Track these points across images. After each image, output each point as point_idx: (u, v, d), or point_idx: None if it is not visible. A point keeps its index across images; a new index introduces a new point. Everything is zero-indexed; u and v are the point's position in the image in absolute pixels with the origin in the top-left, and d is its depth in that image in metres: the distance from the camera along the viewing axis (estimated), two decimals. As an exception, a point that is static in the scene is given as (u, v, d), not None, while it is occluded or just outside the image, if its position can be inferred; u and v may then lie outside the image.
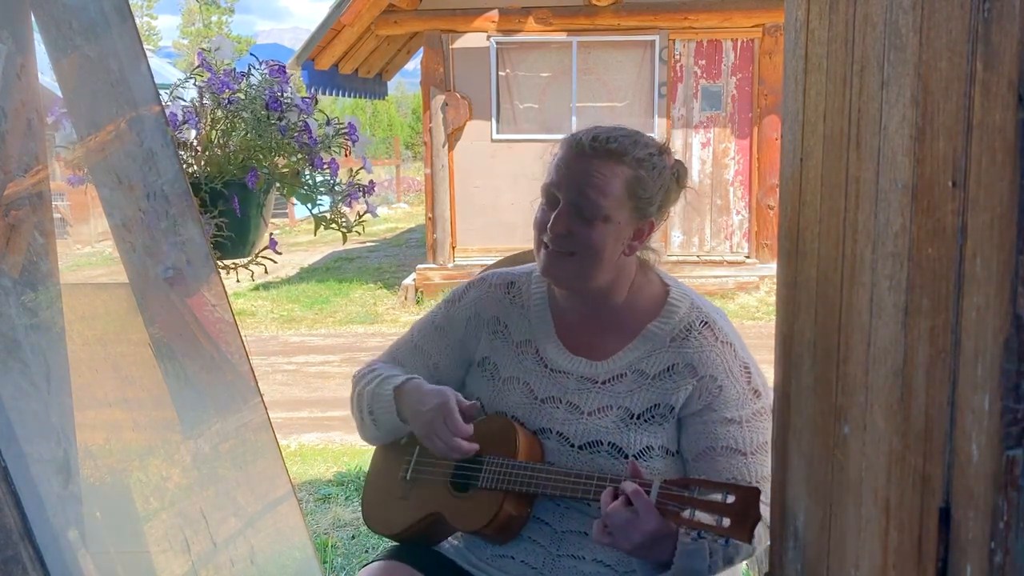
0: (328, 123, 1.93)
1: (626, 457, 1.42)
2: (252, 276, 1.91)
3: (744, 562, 1.51)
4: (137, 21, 1.65)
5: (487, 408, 1.55)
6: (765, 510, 1.42)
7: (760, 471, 1.42)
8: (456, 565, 1.57)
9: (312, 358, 7.26)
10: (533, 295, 1.58)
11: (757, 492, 1.21)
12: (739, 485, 1.25)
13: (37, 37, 1.42)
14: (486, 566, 1.54)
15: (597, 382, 1.49)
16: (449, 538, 1.60)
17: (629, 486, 1.28)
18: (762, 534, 1.40)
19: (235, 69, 1.85)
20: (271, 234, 1.91)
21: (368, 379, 1.62)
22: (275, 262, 1.94)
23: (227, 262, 1.86)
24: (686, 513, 1.24)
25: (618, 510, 1.28)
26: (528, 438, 1.48)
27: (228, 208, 1.77)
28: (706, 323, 1.48)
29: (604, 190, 1.41)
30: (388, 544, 1.67)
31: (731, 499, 1.22)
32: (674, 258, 9.21)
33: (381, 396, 1.57)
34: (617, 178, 1.41)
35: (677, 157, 1.54)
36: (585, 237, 1.42)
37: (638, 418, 1.45)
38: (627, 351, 1.49)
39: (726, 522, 1.20)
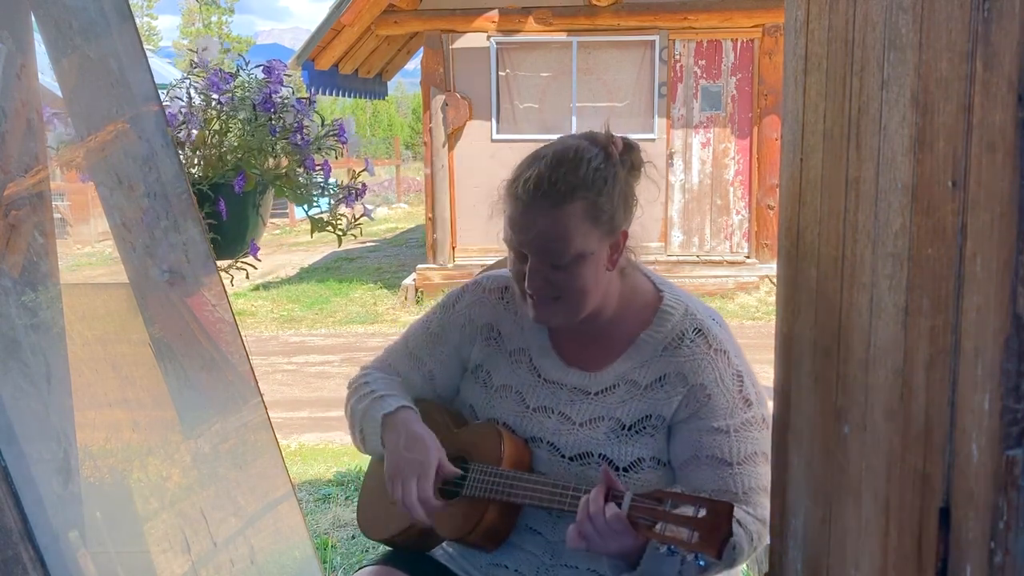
0: (323, 124, 1.91)
1: (617, 469, 1.40)
2: (232, 281, 1.88)
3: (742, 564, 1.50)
4: (137, 21, 1.65)
5: (479, 415, 1.54)
6: (755, 523, 1.40)
7: (747, 482, 1.40)
8: (450, 572, 1.55)
9: (312, 358, 7.26)
10: None
11: (729, 507, 1.18)
12: (712, 499, 1.22)
13: (37, 37, 1.42)
14: (480, 574, 1.53)
15: (590, 393, 1.46)
16: (443, 544, 1.58)
17: (610, 508, 1.26)
18: (745, 547, 1.38)
19: (237, 70, 1.85)
20: (252, 239, 1.88)
21: (361, 393, 1.59)
22: (255, 267, 1.89)
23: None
24: (658, 527, 1.21)
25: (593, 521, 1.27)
26: (515, 445, 1.46)
27: (214, 211, 1.75)
28: (699, 330, 1.44)
29: (566, 235, 1.36)
30: (384, 548, 1.66)
31: (703, 512, 1.19)
32: (674, 258, 9.21)
33: (371, 419, 1.53)
34: (574, 216, 1.36)
35: (625, 138, 1.46)
36: (566, 281, 1.39)
37: (629, 429, 1.43)
38: (620, 362, 1.47)
39: (696, 537, 1.17)
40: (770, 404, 1.56)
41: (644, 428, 1.42)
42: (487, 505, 1.43)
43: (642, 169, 1.47)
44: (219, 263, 1.84)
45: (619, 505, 1.26)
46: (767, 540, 1.43)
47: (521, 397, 1.50)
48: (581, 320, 1.46)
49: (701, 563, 1.18)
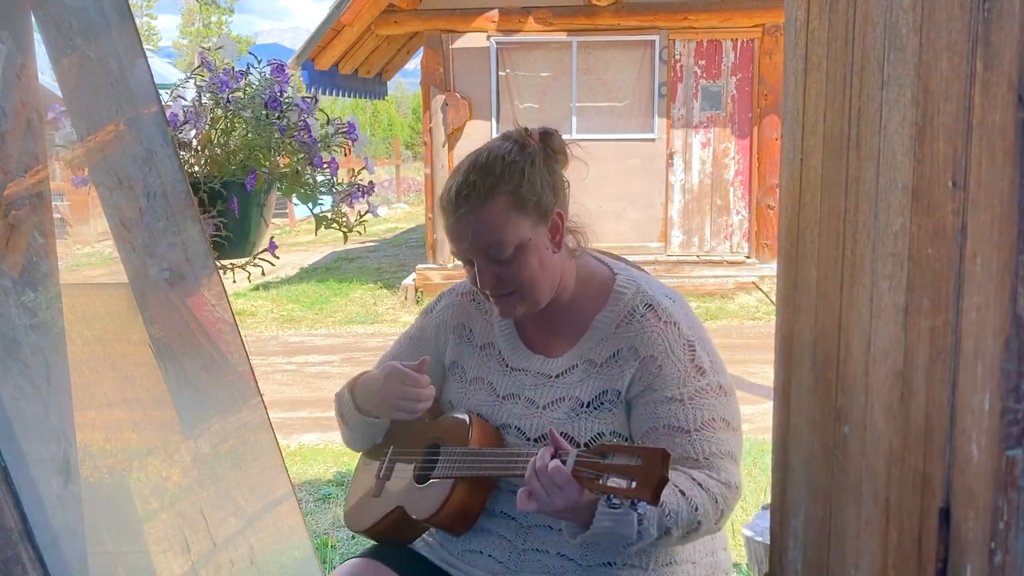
0: (329, 123, 1.93)
1: (578, 445, 1.45)
2: (249, 278, 1.91)
3: (704, 536, 1.49)
4: (137, 21, 1.66)
5: (456, 409, 1.62)
6: (719, 486, 1.43)
7: (707, 448, 1.44)
8: (429, 562, 1.61)
9: (312, 358, 7.26)
10: None
11: (662, 452, 1.23)
12: (646, 447, 1.27)
13: (37, 37, 1.42)
14: (457, 561, 1.58)
15: (551, 376, 1.53)
16: (423, 536, 1.65)
17: (552, 463, 1.31)
18: (708, 509, 1.41)
19: (235, 68, 1.86)
20: (271, 236, 1.92)
21: (340, 392, 1.74)
22: (273, 264, 1.94)
23: (225, 262, 1.87)
24: (600, 480, 1.27)
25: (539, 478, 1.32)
26: (483, 428, 1.53)
27: (227, 208, 1.78)
28: (649, 305, 1.50)
29: (497, 231, 1.44)
30: (370, 543, 1.71)
31: (638, 460, 1.24)
32: (674, 258, 9.21)
33: (342, 399, 1.69)
34: (500, 212, 1.43)
35: (542, 128, 1.52)
36: (513, 274, 1.46)
37: (588, 406, 1.48)
38: (579, 344, 1.53)
39: (633, 484, 1.23)
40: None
41: (602, 404, 1.48)
42: (455, 484, 1.50)
43: (567, 151, 1.53)
44: (237, 260, 1.87)
45: (564, 462, 1.31)
46: (734, 504, 1.46)
47: (492, 387, 1.58)
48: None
49: (640, 510, 1.24)
